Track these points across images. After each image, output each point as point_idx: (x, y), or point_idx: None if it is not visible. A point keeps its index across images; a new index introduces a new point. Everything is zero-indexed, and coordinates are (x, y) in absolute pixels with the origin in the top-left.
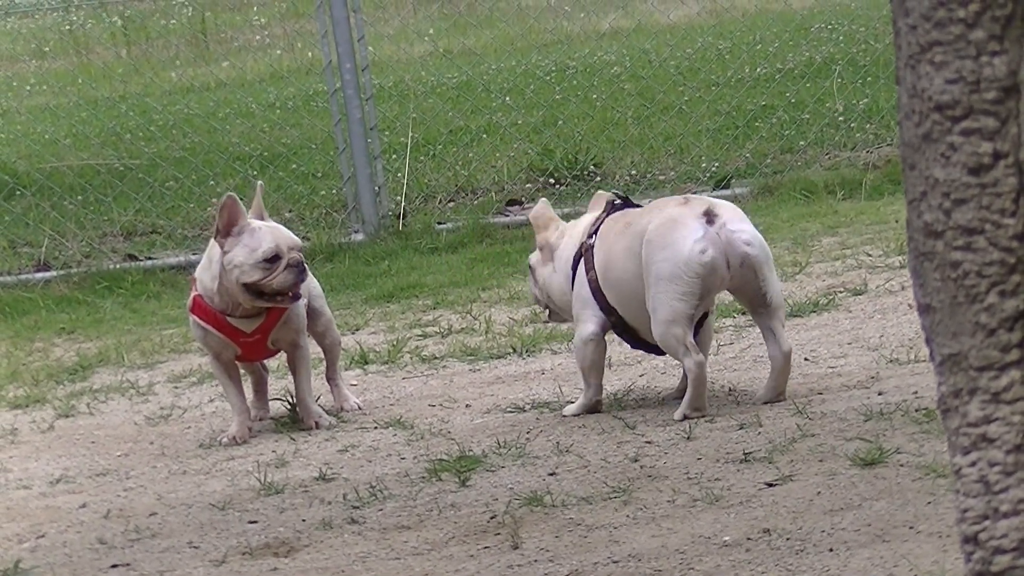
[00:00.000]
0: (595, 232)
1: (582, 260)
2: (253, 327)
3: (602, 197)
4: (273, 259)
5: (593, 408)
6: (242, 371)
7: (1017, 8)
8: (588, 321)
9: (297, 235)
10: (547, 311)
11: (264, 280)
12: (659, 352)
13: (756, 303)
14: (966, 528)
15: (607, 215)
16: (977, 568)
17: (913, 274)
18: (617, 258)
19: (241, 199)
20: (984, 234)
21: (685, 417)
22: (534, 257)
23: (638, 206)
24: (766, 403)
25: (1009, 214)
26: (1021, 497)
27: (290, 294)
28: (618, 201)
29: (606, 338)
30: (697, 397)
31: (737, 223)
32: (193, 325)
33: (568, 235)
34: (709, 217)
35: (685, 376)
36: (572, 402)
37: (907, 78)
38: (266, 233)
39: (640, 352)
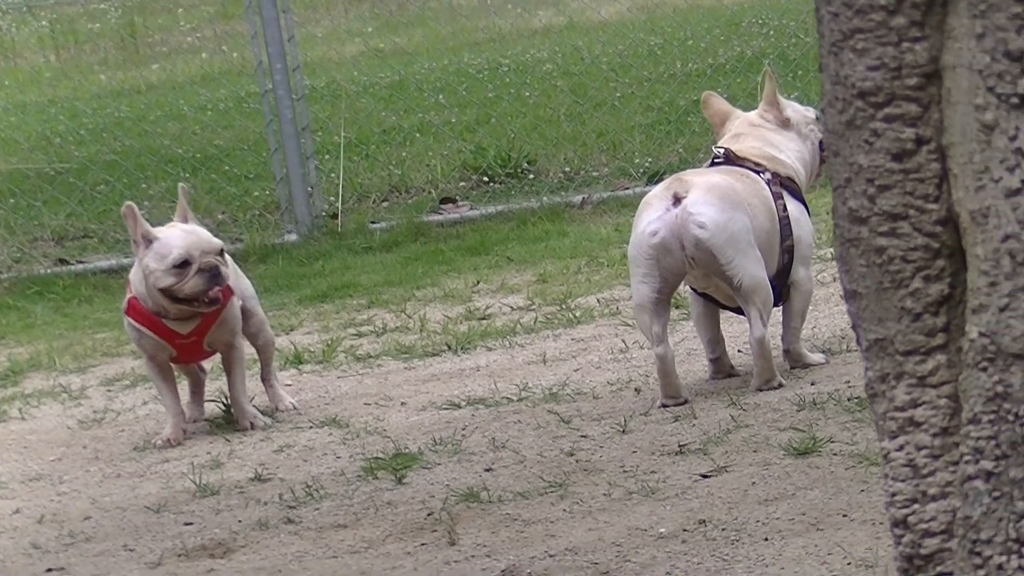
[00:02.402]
0: None
1: None
2: (188, 329)
3: (711, 97)
4: (183, 264)
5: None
6: (177, 373)
7: None
8: None
9: (229, 236)
10: None
11: (176, 286)
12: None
13: (730, 286)
14: (895, 512)
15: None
16: (907, 551)
17: (839, 261)
18: None
19: (174, 202)
20: (908, 219)
21: (663, 405)
22: None
23: (745, 166)
24: (758, 390)
25: (933, 199)
26: (949, 480)
27: (205, 299)
28: (718, 159)
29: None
30: (664, 387)
31: (699, 205)
32: (128, 327)
33: None
34: (676, 198)
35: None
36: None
37: (830, 66)
38: (177, 238)
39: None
